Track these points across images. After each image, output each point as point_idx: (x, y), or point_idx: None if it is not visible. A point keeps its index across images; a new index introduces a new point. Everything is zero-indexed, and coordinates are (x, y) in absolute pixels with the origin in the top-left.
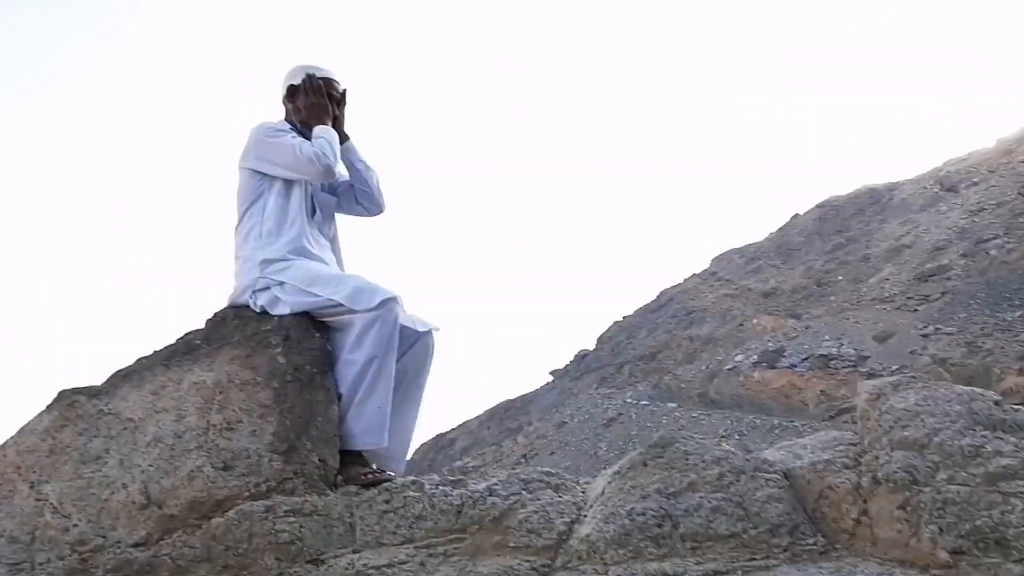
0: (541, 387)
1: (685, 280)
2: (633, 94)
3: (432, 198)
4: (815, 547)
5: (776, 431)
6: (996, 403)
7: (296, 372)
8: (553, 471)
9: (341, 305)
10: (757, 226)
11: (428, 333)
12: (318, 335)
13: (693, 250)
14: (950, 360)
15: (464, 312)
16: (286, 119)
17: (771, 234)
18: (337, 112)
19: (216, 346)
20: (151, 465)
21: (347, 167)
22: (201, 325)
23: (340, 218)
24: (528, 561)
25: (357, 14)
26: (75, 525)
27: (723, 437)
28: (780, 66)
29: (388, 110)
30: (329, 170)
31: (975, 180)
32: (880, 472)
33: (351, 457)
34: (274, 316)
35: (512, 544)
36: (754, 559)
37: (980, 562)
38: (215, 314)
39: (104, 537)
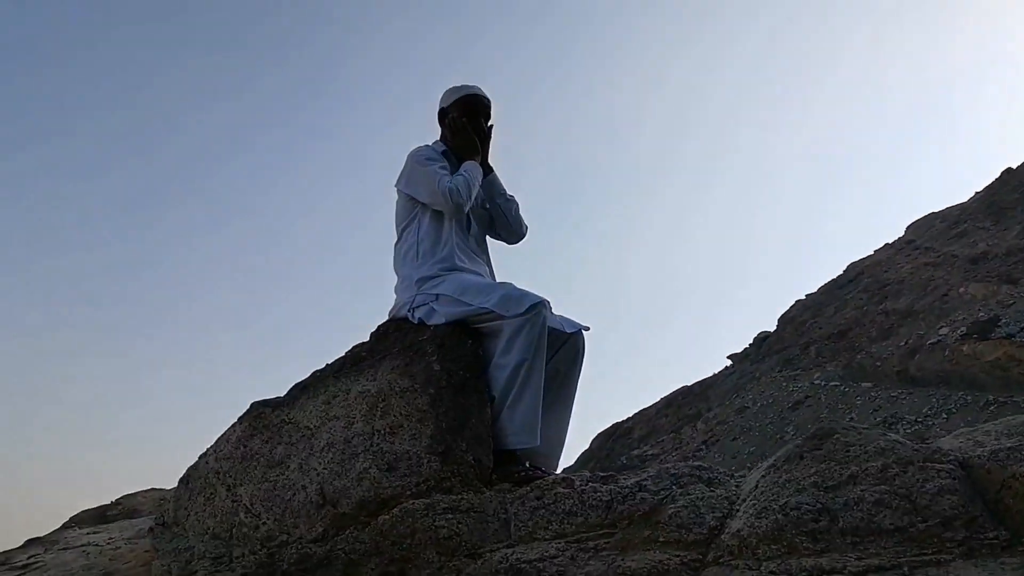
0: (720, 372)
1: (876, 251)
2: (815, 38)
3: (605, 177)
4: (996, 541)
5: (992, 408)
6: None
7: (450, 378)
8: (705, 465)
9: (492, 312)
10: (960, 188)
11: (578, 333)
12: (470, 342)
13: (885, 220)
14: None
15: (641, 299)
16: (441, 139)
17: (978, 193)
18: (484, 145)
19: (379, 357)
20: (325, 468)
21: (488, 200)
22: (367, 339)
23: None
24: (678, 556)
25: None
26: (264, 523)
27: (928, 416)
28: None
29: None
30: (460, 208)
31: None
32: None
33: (505, 457)
34: (430, 326)
35: (662, 539)
36: (923, 554)
37: None
38: (378, 327)
39: (288, 534)
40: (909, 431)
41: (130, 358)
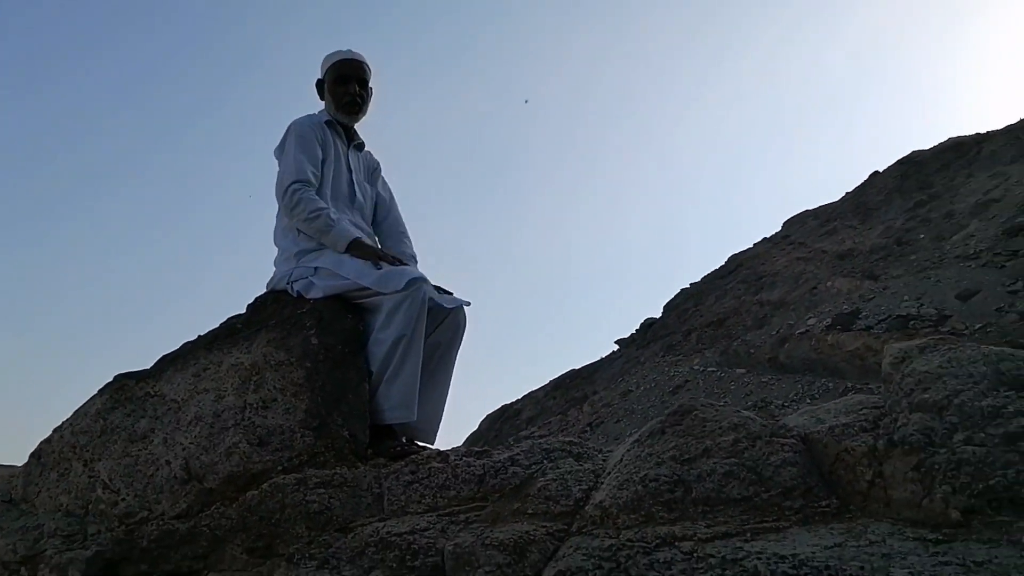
0: (606, 356)
1: (755, 245)
2: (698, 47)
3: (490, 164)
4: (828, 509)
5: (850, 393)
6: None
7: (328, 352)
8: (576, 440)
9: (370, 288)
10: (832, 187)
11: (459, 308)
12: (349, 316)
13: (764, 214)
14: None
15: (531, 282)
16: (325, 109)
17: (848, 194)
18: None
19: (255, 329)
20: (192, 443)
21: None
22: (243, 310)
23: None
24: (544, 527)
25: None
26: (123, 500)
27: (794, 401)
28: (855, 15)
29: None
30: (288, 211)
31: None
32: (897, 434)
33: (383, 431)
34: (309, 299)
35: (530, 511)
36: (764, 521)
37: (992, 520)
38: (255, 299)
39: (149, 510)
40: (777, 413)
41: None
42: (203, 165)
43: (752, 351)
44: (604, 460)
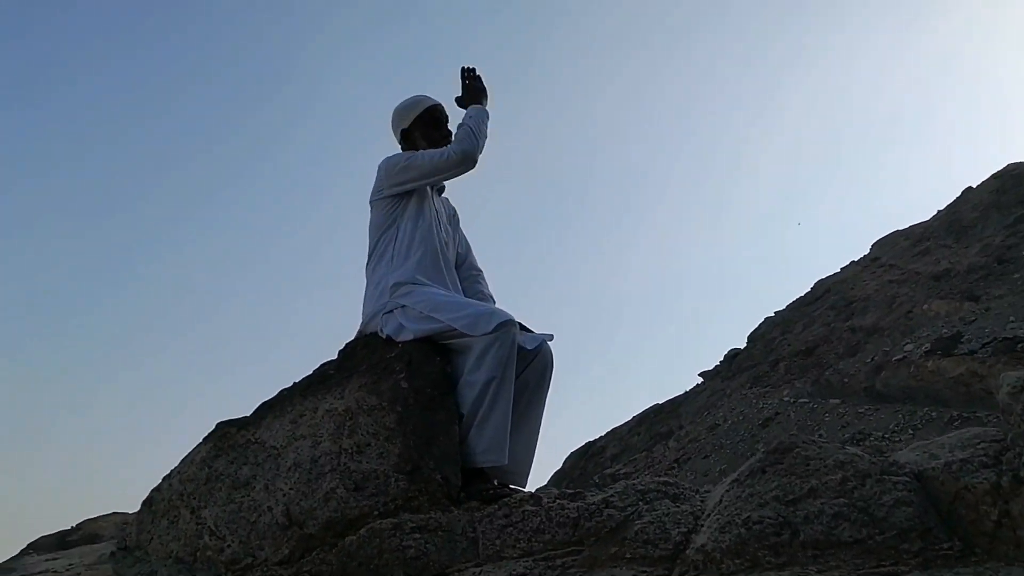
0: (691, 389)
1: (843, 269)
2: (775, 62)
3: (565, 193)
4: (950, 552)
5: (955, 423)
6: None
7: (418, 395)
8: (671, 480)
9: (459, 330)
10: (923, 206)
11: (545, 346)
12: (438, 359)
13: (850, 237)
14: None
15: (612, 316)
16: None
17: (940, 212)
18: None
19: (346, 375)
20: (292, 488)
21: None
22: (334, 357)
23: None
24: (645, 572)
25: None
26: (228, 546)
27: (894, 432)
28: (935, 28)
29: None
30: (470, 154)
31: None
32: (1023, 470)
33: (474, 474)
34: (398, 343)
35: (628, 555)
36: (881, 566)
37: None
38: (346, 345)
39: (253, 556)
40: (876, 446)
41: (90, 377)
42: (293, 210)
43: (846, 380)
44: (702, 501)
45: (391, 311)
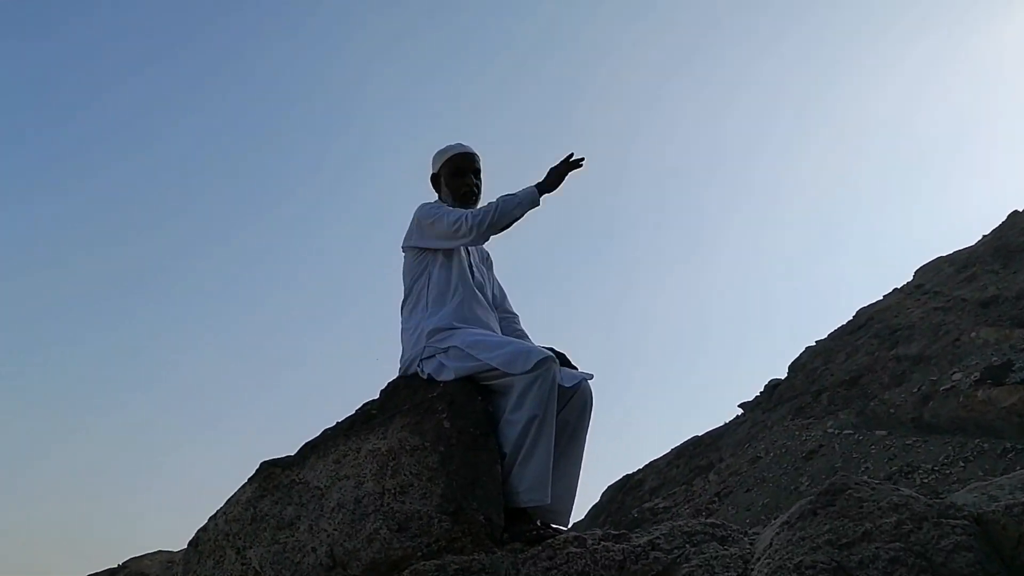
0: (731, 421)
1: (885, 296)
2: (816, 90)
3: (599, 221)
4: None
5: (1010, 455)
6: None
7: (460, 435)
8: (718, 523)
9: (499, 369)
10: (967, 230)
11: (585, 384)
12: (480, 398)
13: (892, 264)
14: None
15: (648, 346)
16: (441, 200)
17: (985, 236)
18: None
19: (389, 415)
20: (336, 529)
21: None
22: (377, 396)
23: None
24: None
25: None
26: None
27: (944, 465)
28: (981, 36)
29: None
30: (477, 229)
31: None
32: None
33: (516, 514)
34: (439, 383)
35: None
36: None
37: None
38: (388, 384)
39: None
40: (926, 480)
41: (136, 415)
42: (331, 248)
43: (892, 411)
44: (751, 544)
45: (433, 355)
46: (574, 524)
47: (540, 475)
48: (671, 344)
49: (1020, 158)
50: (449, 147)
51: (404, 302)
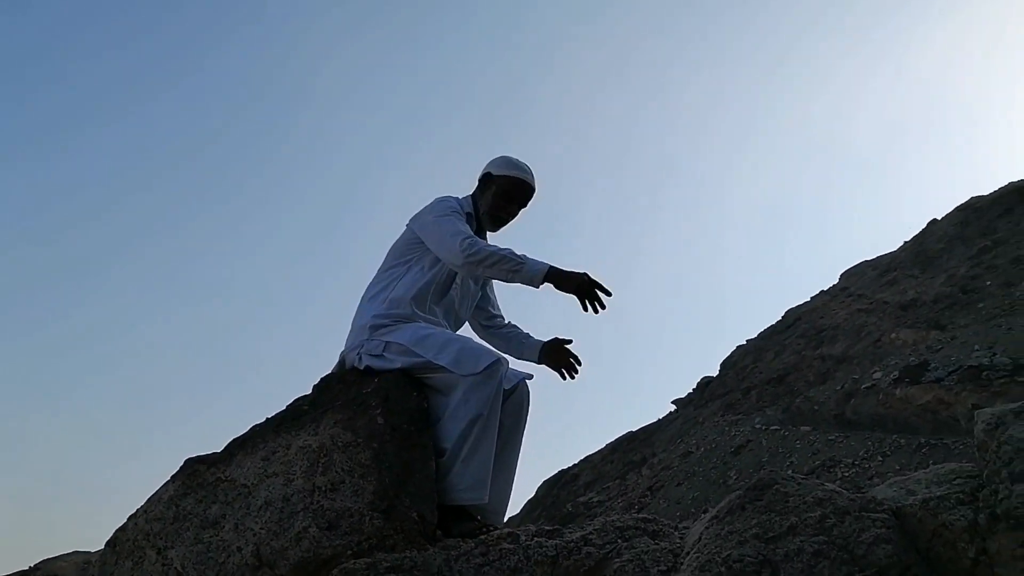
0: (664, 417)
1: (812, 298)
2: (740, 92)
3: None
4: None
5: (924, 450)
6: None
7: (394, 432)
8: (650, 517)
9: (444, 368)
10: (891, 236)
11: (522, 384)
12: (415, 394)
13: (819, 267)
14: None
15: (582, 343)
16: (473, 193)
17: (906, 243)
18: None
19: (321, 411)
20: (262, 528)
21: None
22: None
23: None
24: None
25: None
26: None
27: (864, 459)
28: (908, 60)
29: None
30: (466, 259)
31: None
32: (1000, 508)
33: (453, 512)
34: (374, 378)
35: None
36: None
37: None
38: (321, 380)
39: None
40: (847, 474)
41: (54, 405)
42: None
43: (816, 407)
44: (681, 538)
45: (372, 352)
46: (510, 519)
47: (481, 474)
48: (609, 342)
49: (940, 169)
50: (520, 167)
51: (375, 279)
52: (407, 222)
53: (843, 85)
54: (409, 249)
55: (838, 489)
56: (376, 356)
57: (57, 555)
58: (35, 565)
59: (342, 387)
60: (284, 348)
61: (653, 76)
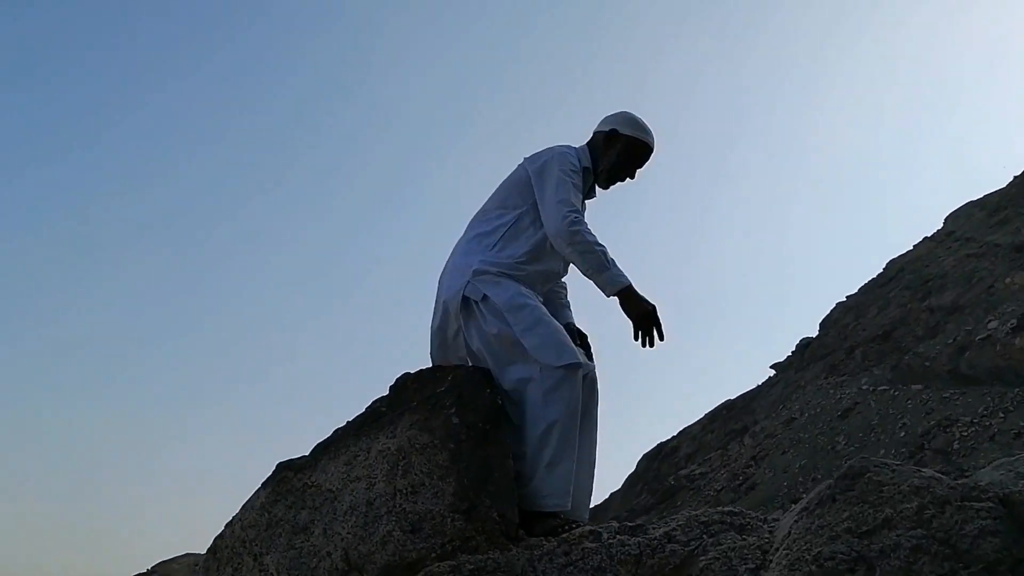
0: (763, 383)
1: (915, 246)
2: (838, 29)
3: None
4: None
5: None
6: None
7: (470, 431)
8: (736, 510)
9: (526, 348)
10: (996, 173)
11: (592, 372)
12: (488, 391)
13: (922, 212)
14: None
15: (675, 311)
16: (591, 144)
17: (1016, 178)
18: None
19: (398, 412)
20: (349, 532)
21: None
22: (386, 392)
23: None
24: None
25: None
26: None
27: (984, 416)
28: None
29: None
30: (567, 233)
31: None
32: None
33: (537, 516)
34: (448, 376)
35: None
36: None
37: None
38: (397, 380)
39: None
40: (965, 432)
41: (157, 418)
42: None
43: (927, 363)
44: (770, 532)
45: (472, 296)
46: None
47: (565, 482)
48: (701, 309)
49: None
50: (647, 130)
51: (480, 217)
52: (524, 158)
53: (952, 15)
54: (522, 194)
55: (937, 475)
56: (477, 301)
57: (171, 557)
58: (152, 567)
59: (417, 386)
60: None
61: (719, 28)
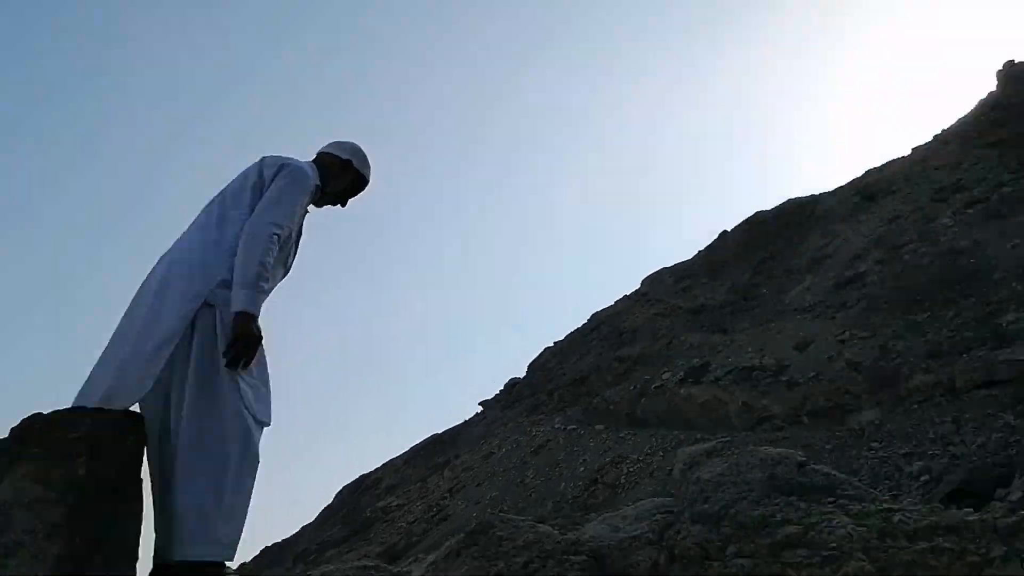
0: (471, 419)
1: (616, 302)
2: (560, 112)
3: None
4: None
5: (698, 443)
6: (800, 466)
7: (99, 484)
8: (372, 564)
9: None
10: (689, 245)
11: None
12: (132, 437)
13: (625, 273)
14: (863, 363)
15: (393, 346)
16: (320, 163)
17: (700, 252)
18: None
19: (12, 460)
20: None
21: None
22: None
23: None
24: None
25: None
26: None
27: (648, 455)
28: (704, 89)
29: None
30: (254, 246)
31: (892, 188)
32: (678, 548)
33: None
34: (88, 420)
35: None
36: None
37: None
38: (21, 423)
39: None
40: (632, 469)
41: None
42: None
43: (611, 407)
44: None
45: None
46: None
47: (238, 530)
48: (421, 343)
49: (733, 182)
50: (368, 167)
51: (223, 214)
52: (263, 159)
53: (654, 96)
54: (255, 198)
55: (550, 531)
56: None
57: None
58: None
59: (45, 432)
60: None
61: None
